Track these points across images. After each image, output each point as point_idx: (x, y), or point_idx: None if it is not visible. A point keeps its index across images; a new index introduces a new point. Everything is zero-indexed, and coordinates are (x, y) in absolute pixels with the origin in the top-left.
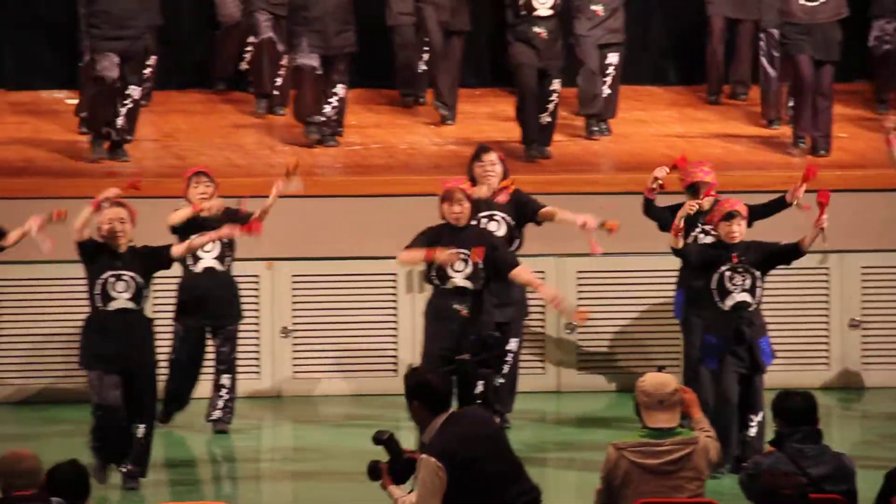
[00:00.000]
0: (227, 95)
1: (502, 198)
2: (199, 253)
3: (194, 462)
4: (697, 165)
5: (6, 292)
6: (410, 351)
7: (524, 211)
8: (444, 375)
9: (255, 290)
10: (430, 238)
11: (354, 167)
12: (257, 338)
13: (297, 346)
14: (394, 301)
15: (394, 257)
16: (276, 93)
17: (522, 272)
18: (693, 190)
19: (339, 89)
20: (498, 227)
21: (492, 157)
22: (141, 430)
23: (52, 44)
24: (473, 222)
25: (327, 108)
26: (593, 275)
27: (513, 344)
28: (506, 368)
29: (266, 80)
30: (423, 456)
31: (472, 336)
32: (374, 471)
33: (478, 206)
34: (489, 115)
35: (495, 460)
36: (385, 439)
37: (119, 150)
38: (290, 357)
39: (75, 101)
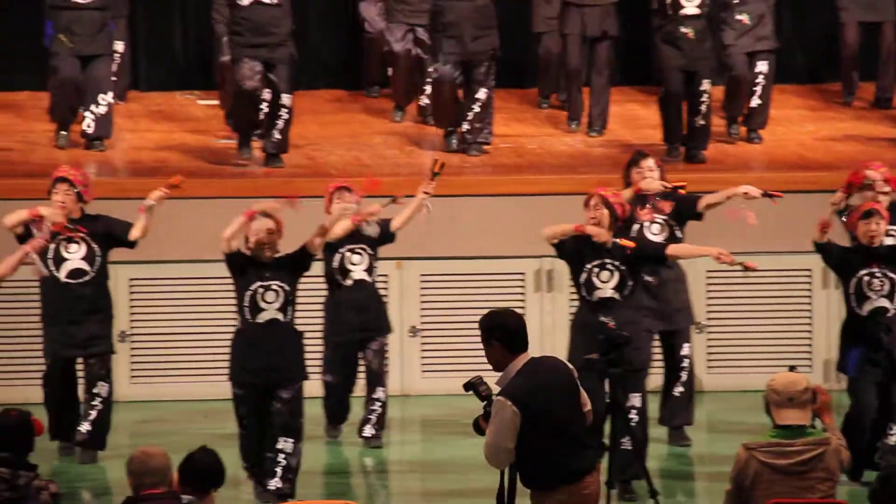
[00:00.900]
0: (357, 94)
1: (665, 207)
2: (349, 266)
3: (347, 472)
4: (872, 166)
5: (140, 292)
6: (539, 350)
7: (683, 208)
8: (520, 316)
9: (385, 289)
10: (573, 244)
11: (483, 167)
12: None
13: (425, 345)
14: (522, 300)
15: (522, 256)
16: (422, 104)
17: (678, 247)
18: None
19: (482, 94)
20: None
21: (650, 162)
22: (289, 445)
23: (186, 47)
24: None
25: (469, 115)
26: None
27: (685, 349)
28: (683, 376)
29: (401, 93)
30: (500, 398)
31: (601, 335)
32: (476, 426)
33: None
34: (620, 115)
35: (566, 412)
36: (474, 383)
37: (275, 160)
38: (419, 356)
39: (209, 103)
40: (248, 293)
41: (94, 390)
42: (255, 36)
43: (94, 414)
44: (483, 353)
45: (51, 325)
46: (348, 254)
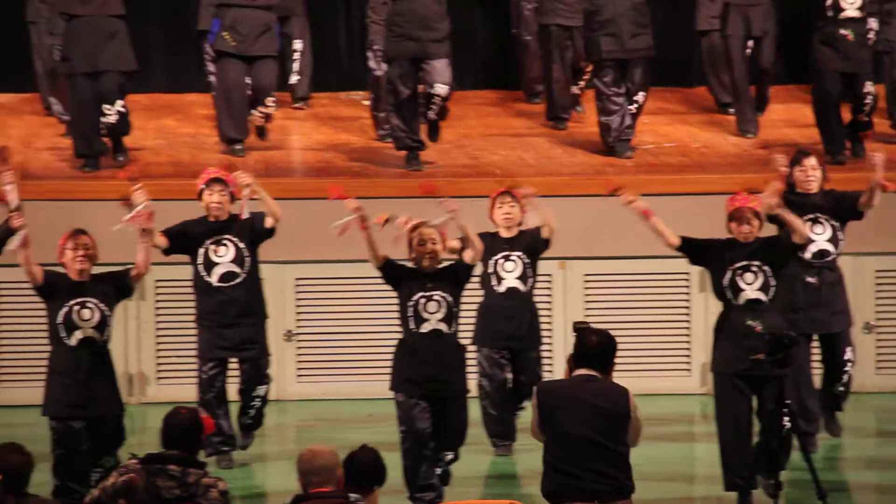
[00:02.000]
0: (520, 94)
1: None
2: (502, 273)
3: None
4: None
5: (306, 291)
6: (704, 350)
7: (844, 207)
8: (604, 339)
9: (548, 290)
10: (713, 247)
11: (646, 166)
12: (549, 336)
13: None
14: (686, 300)
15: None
16: (577, 109)
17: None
18: None
19: (640, 97)
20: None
21: (812, 161)
22: (449, 457)
23: (350, 48)
24: None
25: (624, 115)
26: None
27: (848, 353)
28: (844, 378)
29: (552, 95)
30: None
31: (767, 334)
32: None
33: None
34: (782, 114)
35: (588, 431)
36: (581, 327)
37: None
38: None
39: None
40: (411, 304)
41: (253, 393)
42: (415, 29)
43: (252, 412)
44: (646, 352)
45: (204, 329)
46: (502, 260)
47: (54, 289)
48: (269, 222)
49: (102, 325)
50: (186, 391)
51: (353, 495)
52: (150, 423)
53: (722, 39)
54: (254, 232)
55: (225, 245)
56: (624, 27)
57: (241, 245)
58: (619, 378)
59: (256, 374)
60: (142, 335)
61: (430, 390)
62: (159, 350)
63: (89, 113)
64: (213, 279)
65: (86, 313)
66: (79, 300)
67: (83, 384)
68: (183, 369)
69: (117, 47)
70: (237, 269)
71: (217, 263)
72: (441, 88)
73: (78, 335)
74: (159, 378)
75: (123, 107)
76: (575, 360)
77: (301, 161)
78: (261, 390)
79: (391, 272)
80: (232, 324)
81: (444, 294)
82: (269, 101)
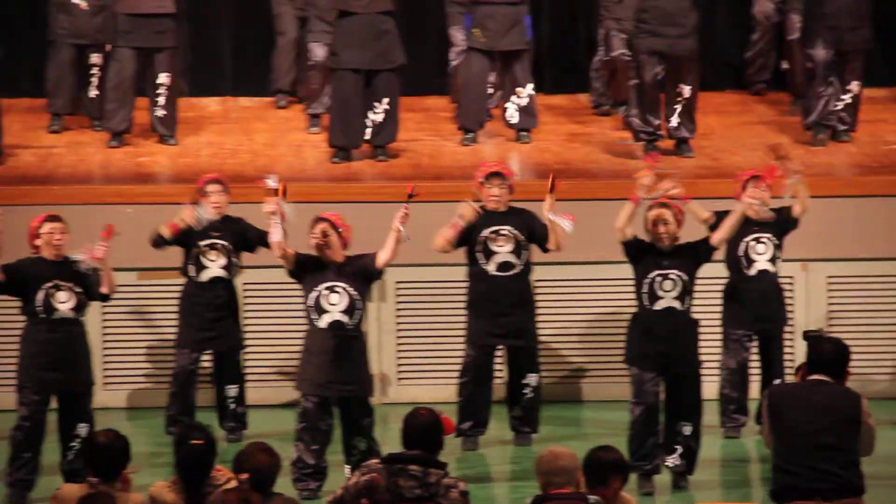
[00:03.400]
0: (764, 96)
1: None
2: (753, 255)
3: (744, 461)
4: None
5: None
6: None
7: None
8: (836, 346)
9: (790, 291)
10: None
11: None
12: (792, 339)
13: None
14: None
15: None
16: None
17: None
18: None
19: (854, 86)
20: None
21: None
22: (687, 429)
23: (589, 47)
24: None
25: (839, 106)
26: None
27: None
28: None
29: (797, 83)
30: None
31: None
32: None
33: None
34: None
35: (810, 428)
36: (813, 335)
37: (684, 145)
38: None
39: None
40: (647, 281)
41: (524, 381)
42: (662, 26)
43: (523, 401)
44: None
45: (476, 316)
46: (752, 242)
47: (304, 272)
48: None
49: (351, 309)
50: (427, 392)
51: (591, 497)
52: (392, 424)
53: None
54: (534, 233)
55: (504, 235)
56: (844, 21)
57: (522, 239)
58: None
59: (529, 362)
60: (383, 336)
61: (662, 365)
62: (400, 351)
63: (352, 109)
64: (491, 268)
65: (334, 297)
66: (329, 284)
67: (332, 364)
68: (423, 370)
69: (387, 45)
70: (515, 261)
71: (497, 253)
72: (686, 89)
73: (326, 318)
74: (400, 379)
75: (389, 104)
76: (808, 368)
77: (537, 162)
78: (532, 379)
79: (631, 248)
80: (506, 312)
81: (680, 273)
82: (522, 91)
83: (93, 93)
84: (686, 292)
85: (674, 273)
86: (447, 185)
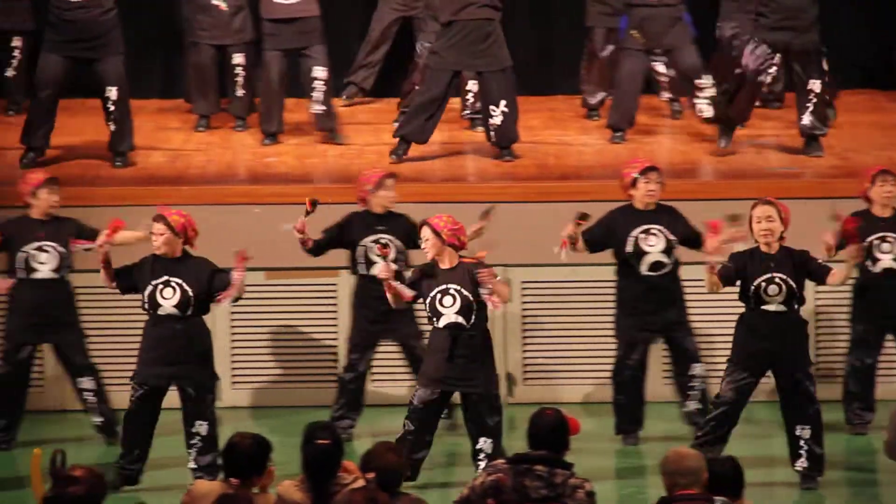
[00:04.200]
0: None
1: None
2: (878, 254)
3: (872, 460)
4: None
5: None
6: None
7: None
8: None
9: None
10: None
11: None
12: None
13: None
14: None
15: None
16: None
17: None
18: None
19: None
20: None
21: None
22: (806, 432)
23: None
24: None
25: None
26: None
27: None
28: None
29: None
30: None
31: None
32: None
33: None
34: None
35: None
36: None
37: (815, 143)
38: None
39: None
40: (753, 286)
41: (690, 372)
42: (782, 20)
43: (695, 392)
44: None
45: (626, 315)
46: (877, 241)
47: (420, 284)
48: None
49: (467, 310)
50: (552, 392)
51: (718, 498)
52: (518, 424)
53: None
54: (687, 233)
55: (654, 235)
56: None
57: (672, 238)
58: None
59: (692, 353)
60: (508, 336)
61: (764, 363)
62: (526, 351)
63: (436, 108)
64: (643, 269)
65: (447, 300)
66: (443, 287)
67: (448, 362)
68: (549, 370)
69: (490, 47)
70: (665, 260)
71: (648, 253)
72: (815, 84)
73: (443, 320)
74: (526, 379)
75: (507, 107)
76: None
77: (670, 162)
78: (697, 368)
79: (734, 277)
80: (657, 310)
81: (785, 278)
82: (702, 83)
83: (239, 92)
84: (793, 295)
85: (778, 277)
86: (573, 185)
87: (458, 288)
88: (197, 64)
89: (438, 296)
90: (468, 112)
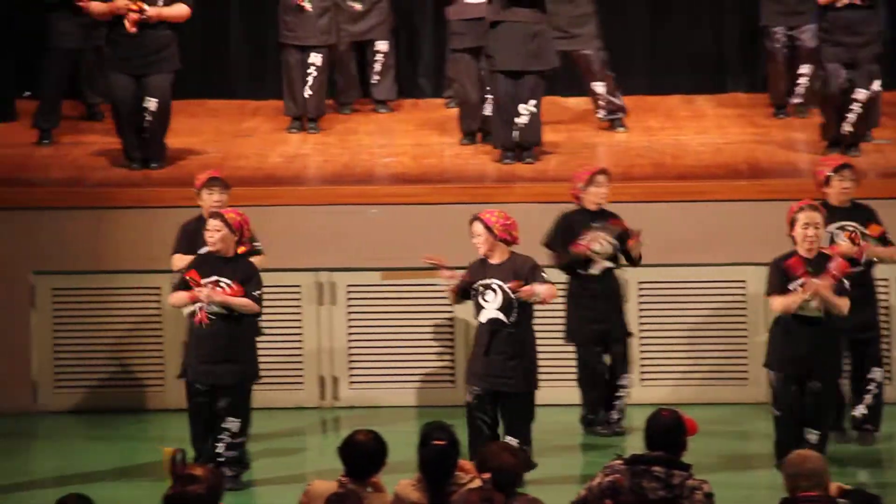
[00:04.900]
0: None
1: None
2: None
3: None
4: None
5: (648, 293)
6: None
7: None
8: None
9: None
10: None
11: None
12: None
13: None
14: None
15: None
16: None
17: None
18: None
19: None
20: None
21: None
22: (813, 436)
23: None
24: None
25: None
26: None
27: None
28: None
29: None
30: None
31: None
32: None
33: None
34: None
35: None
36: None
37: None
38: None
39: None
40: (790, 289)
41: (869, 375)
42: (845, 36)
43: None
44: None
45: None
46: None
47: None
48: None
49: (508, 307)
50: (661, 392)
51: (841, 500)
52: (635, 425)
53: None
54: None
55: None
56: None
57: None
58: None
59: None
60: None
61: (800, 368)
62: (643, 352)
63: (510, 110)
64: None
65: (490, 295)
66: (485, 282)
67: (485, 357)
68: (667, 370)
69: (538, 46)
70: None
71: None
72: (861, 94)
73: (485, 315)
74: (643, 380)
75: (535, 107)
76: None
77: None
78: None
79: (784, 287)
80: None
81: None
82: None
83: (307, 92)
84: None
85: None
86: (690, 185)
87: (501, 284)
88: (285, 65)
89: (482, 289)
90: (603, 113)
